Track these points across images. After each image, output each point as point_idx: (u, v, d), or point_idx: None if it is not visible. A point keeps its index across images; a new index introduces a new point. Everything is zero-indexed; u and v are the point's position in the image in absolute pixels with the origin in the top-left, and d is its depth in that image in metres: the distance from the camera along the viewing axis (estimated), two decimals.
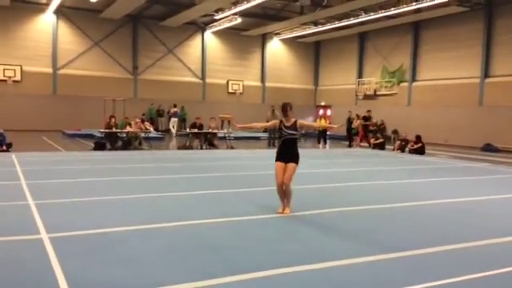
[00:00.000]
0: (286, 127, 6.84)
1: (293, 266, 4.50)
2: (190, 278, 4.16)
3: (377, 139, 20.55)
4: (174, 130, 26.53)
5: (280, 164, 6.84)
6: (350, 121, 22.39)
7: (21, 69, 25.44)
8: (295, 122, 6.92)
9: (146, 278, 4.14)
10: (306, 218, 6.62)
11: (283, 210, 6.84)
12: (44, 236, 5.27)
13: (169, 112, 28.00)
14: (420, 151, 17.77)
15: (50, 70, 26.45)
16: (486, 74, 22.86)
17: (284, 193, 6.84)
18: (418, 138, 18.12)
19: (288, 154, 6.84)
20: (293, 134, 6.87)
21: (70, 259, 4.51)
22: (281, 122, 6.92)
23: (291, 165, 6.79)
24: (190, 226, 6.01)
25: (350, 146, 21.86)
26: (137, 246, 5.07)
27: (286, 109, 6.89)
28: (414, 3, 22.20)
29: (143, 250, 4.93)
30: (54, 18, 26.23)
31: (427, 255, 5.01)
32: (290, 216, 6.67)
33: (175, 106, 27.48)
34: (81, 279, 4.04)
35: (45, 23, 26.17)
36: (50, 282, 3.94)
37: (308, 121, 31.86)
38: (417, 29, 26.40)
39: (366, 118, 21.90)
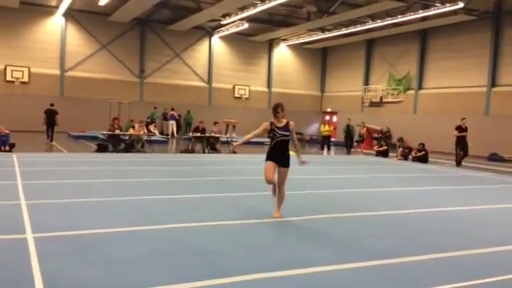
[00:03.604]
0: (279, 128, 6.60)
1: (275, 271, 4.46)
2: (170, 280, 4.13)
3: (380, 146, 20.43)
4: (170, 133, 26.66)
5: (271, 163, 6.63)
6: (348, 128, 22.33)
7: (29, 70, 25.75)
8: (288, 123, 6.67)
9: (124, 280, 4.12)
10: (297, 224, 6.58)
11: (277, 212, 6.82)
12: (29, 236, 5.27)
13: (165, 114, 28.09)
14: (423, 159, 17.63)
15: (57, 72, 26.73)
16: (493, 83, 22.69)
17: (278, 194, 6.79)
18: (422, 146, 17.99)
19: (281, 156, 6.63)
20: (286, 136, 6.62)
21: (50, 259, 4.51)
22: (271, 123, 6.66)
23: (284, 170, 6.69)
24: (178, 228, 5.99)
25: (348, 152, 21.71)
26: (121, 247, 5.05)
27: (277, 110, 6.62)
28: (421, 11, 22.14)
29: (127, 251, 4.91)
30: (62, 20, 26.55)
31: (416, 263, 4.94)
32: (280, 221, 6.61)
33: (173, 109, 27.61)
34: (58, 279, 4.03)
35: (53, 26, 26.48)
36: (27, 282, 3.93)
37: (313, 128, 32.03)
38: (424, 37, 26.31)
39: (462, 129, 17.53)
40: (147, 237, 5.56)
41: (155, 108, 28.08)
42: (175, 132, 27.09)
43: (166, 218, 6.55)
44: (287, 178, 6.79)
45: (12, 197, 7.50)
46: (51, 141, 19.09)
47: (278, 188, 6.78)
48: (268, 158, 6.70)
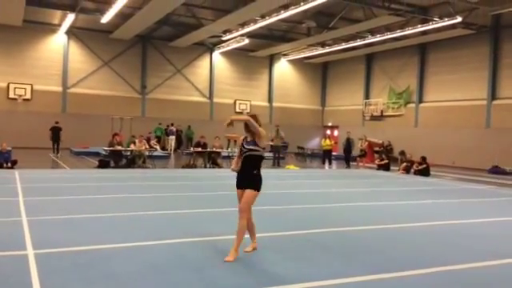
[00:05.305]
0: (247, 142, 5.51)
1: (276, 286, 4.46)
2: None
3: (382, 160, 20.43)
4: (172, 148, 26.74)
5: (239, 192, 5.53)
6: (348, 141, 22.33)
7: (31, 87, 25.91)
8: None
9: None
10: (296, 238, 6.56)
11: (252, 246, 5.75)
12: (30, 252, 5.29)
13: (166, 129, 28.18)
14: (425, 172, 17.61)
15: (59, 89, 26.91)
16: (493, 96, 22.76)
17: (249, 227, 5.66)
18: (423, 159, 17.99)
19: (245, 176, 5.48)
20: (252, 150, 5.45)
21: (51, 275, 4.52)
22: (245, 138, 5.62)
23: (248, 192, 5.41)
24: (178, 244, 6.00)
25: (347, 166, 21.58)
26: (121, 263, 5.07)
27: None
28: (419, 26, 22.33)
29: (127, 267, 4.92)
30: (65, 38, 26.81)
31: (415, 277, 4.93)
32: (280, 235, 6.62)
33: (172, 124, 27.76)
34: None
35: (56, 43, 26.74)
36: None
37: (314, 142, 32.05)
38: (423, 51, 26.46)
39: None
40: (148, 252, 5.57)
41: (160, 124, 28.19)
42: (173, 147, 27.17)
43: (166, 233, 6.55)
44: (251, 205, 5.47)
45: (13, 213, 7.53)
46: (57, 153, 21.33)
47: (238, 216, 5.47)
48: (236, 183, 5.59)
